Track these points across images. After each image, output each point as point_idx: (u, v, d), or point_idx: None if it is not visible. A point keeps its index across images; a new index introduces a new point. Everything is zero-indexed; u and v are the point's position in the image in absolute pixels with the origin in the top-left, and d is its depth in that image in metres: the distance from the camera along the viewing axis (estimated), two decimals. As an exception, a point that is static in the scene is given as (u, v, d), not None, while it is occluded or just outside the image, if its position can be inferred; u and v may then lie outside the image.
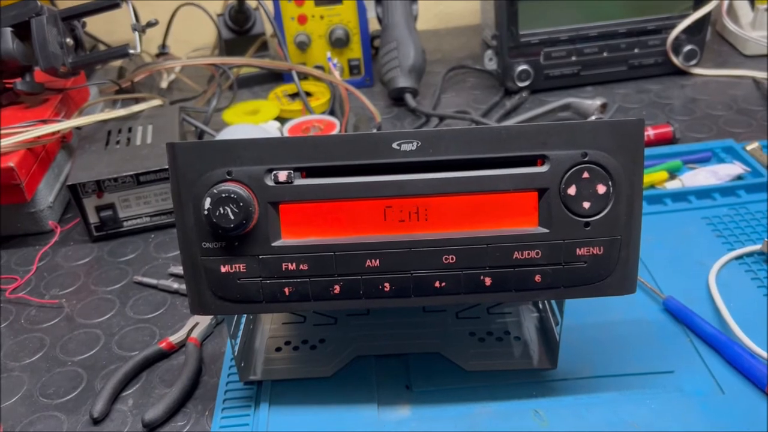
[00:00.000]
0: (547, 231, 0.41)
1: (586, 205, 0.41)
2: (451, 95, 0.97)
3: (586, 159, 0.40)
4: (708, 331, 0.50)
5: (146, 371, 0.54)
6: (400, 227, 0.42)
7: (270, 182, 0.41)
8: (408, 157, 0.41)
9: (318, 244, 0.41)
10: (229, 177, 0.41)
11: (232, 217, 0.40)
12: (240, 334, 0.50)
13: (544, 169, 0.41)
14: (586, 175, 0.40)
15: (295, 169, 0.41)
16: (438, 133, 0.41)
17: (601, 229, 0.41)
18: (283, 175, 0.41)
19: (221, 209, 0.39)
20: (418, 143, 0.41)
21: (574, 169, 0.40)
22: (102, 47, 1.13)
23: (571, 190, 0.40)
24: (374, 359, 0.51)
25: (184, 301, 0.61)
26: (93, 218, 0.70)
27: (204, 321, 0.57)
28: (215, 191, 0.40)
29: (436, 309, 0.55)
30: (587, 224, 0.41)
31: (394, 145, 0.41)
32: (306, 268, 0.42)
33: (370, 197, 0.41)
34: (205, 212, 0.40)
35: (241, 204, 0.40)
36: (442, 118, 0.87)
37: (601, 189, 0.40)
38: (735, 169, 0.68)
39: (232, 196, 0.39)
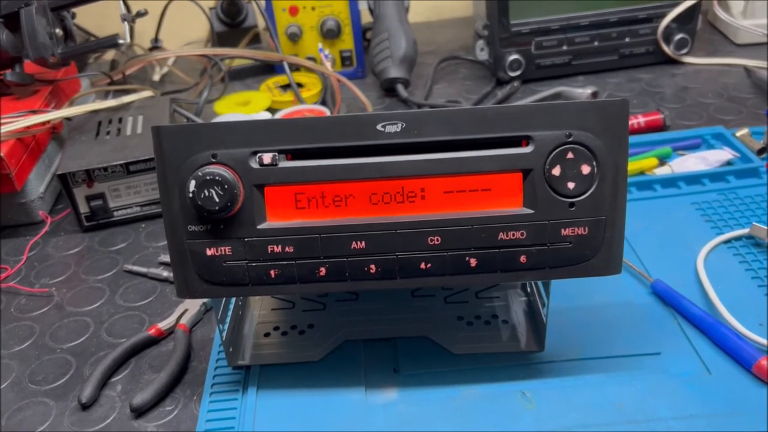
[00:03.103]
0: (531, 211, 0.41)
1: (571, 185, 0.41)
2: (443, 86, 0.97)
3: (570, 139, 0.40)
4: (695, 313, 0.50)
5: (135, 357, 0.54)
6: (386, 209, 0.42)
7: (255, 165, 0.41)
8: (393, 139, 0.41)
9: (303, 227, 0.41)
10: (214, 160, 0.41)
11: (217, 200, 0.40)
12: (228, 319, 0.50)
13: (528, 149, 0.41)
14: (570, 155, 0.40)
15: (280, 152, 0.41)
16: (422, 115, 0.41)
17: (585, 209, 0.41)
18: (267, 158, 0.41)
19: (206, 192, 0.39)
20: (402, 125, 0.41)
21: (559, 149, 0.40)
22: (96, 39, 1.12)
23: (556, 171, 0.40)
24: (362, 343, 0.51)
25: (174, 289, 0.60)
26: (83, 208, 0.69)
27: (193, 307, 0.57)
28: (200, 174, 0.40)
29: (424, 294, 0.55)
30: (572, 204, 0.41)
31: (379, 127, 0.41)
32: (291, 250, 0.42)
33: (355, 179, 0.41)
34: (190, 195, 0.40)
35: (226, 186, 0.39)
36: (433, 108, 0.87)
37: (586, 169, 0.40)
38: (724, 154, 0.68)
39: (217, 178, 0.39)
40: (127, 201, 0.70)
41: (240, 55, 0.94)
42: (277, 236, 0.41)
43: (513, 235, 0.41)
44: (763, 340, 0.47)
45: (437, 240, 0.42)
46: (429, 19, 1.26)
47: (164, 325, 0.55)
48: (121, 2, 0.71)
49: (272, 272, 0.42)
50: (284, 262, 0.42)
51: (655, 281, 0.53)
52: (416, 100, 0.89)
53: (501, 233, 0.41)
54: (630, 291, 0.54)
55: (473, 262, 0.42)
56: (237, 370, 0.50)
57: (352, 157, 0.41)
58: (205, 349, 0.54)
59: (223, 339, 0.48)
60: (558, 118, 0.40)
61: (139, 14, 0.75)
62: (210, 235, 0.41)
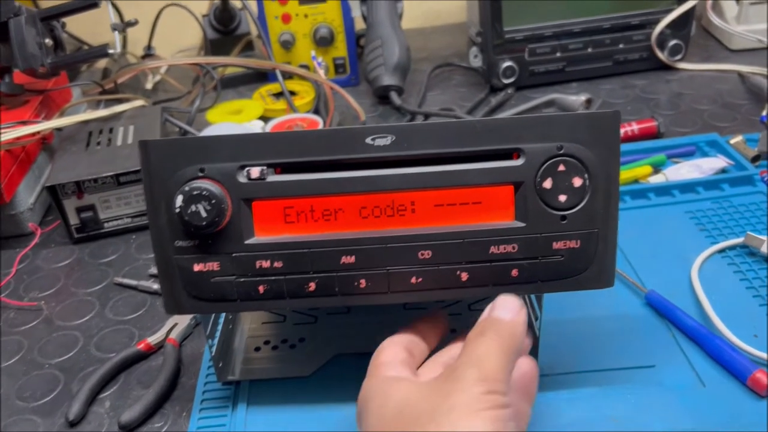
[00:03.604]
0: (523, 225, 0.40)
1: (563, 198, 0.40)
2: (437, 93, 0.97)
3: (561, 152, 0.40)
4: (689, 325, 0.49)
5: (124, 373, 0.53)
6: (376, 223, 0.41)
7: (243, 179, 0.40)
8: (382, 152, 0.40)
9: (292, 242, 0.41)
10: (201, 174, 0.40)
11: (204, 215, 0.39)
12: (218, 334, 0.49)
13: (519, 162, 0.40)
14: (561, 167, 0.40)
15: (269, 165, 0.40)
16: (412, 128, 0.40)
17: (577, 222, 0.40)
18: (255, 172, 0.40)
19: (193, 207, 0.39)
20: (392, 138, 0.40)
21: (550, 161, 0.40)
22: (86, 48, 1.12)
23: (547, 183, 0.40)
24: (353, 357, 0.50)
25: (165, 302, 0.60)
26: (73, 220, 0.69)
27: (183, 321, 0.56)
28: (187, 189, 0.39)
29: (416, 306, 0.54)
30: (564, 217, 0.40)
31: (368, 140, 0.40)
32: (280, 265, 0.41)
33: (344, 193, 0.40)
34: (177, 210, 0.39)
35: (213, 201, 0.39)
36: (426, 116, 0.87)
37: (577, 182, 0.40)
38: (718, 162, 0.68)
39: (204, 193, 0.39)
40: (117, 212, 0.70)
41: (232, 64, 0.94)
42: (265, 251, 0.41)
43: (504, 248, 0.41)
44: (758, 352, 0.46)
45: (428, 254, 0.41)
46: (423, 25, 1.26)
47: (154, 339, 0.55)
48: (111, 12, 0.70)
49: (261, 288, 0.41)
50: (273, 278, 0.41)
51: (649, 292, 0.53)
52: (410, 108, 0.89)
53: (492, 247, 0.41)
54: (624, 302, 0.54)
55: (464, 276, 0.41)
56: (227, 385, 0.50)
57: (342, 170, 0.40)
58: (195, 363, 0.53)
59: (213, 354, 0.47)
60: (549, 130, 0.40)
61: (130, 24, 0.75)
62: (197, 250, 0.41)
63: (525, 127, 0.40)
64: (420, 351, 0.42)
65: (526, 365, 0.40)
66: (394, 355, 0.40)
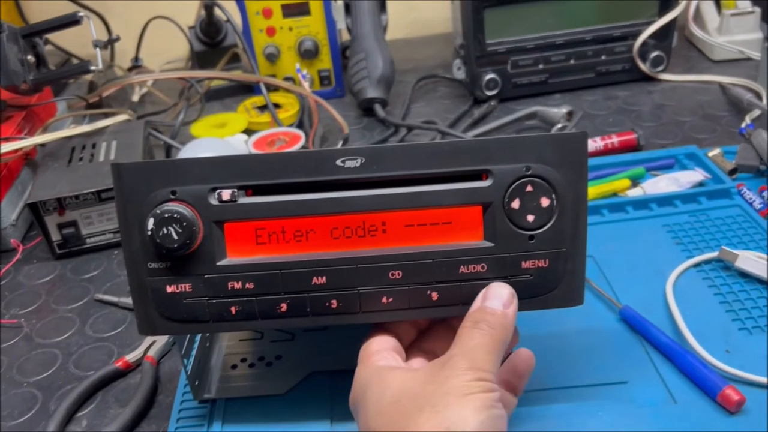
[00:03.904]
0: (492, 245, 0.41)
1: (530, 218, 0.41)
2: (421, 105, 0.97)
3: (529, 173, 0.40)
4: (662, 341, 0.50)
5: (102, 391, 0.53)
6: (347, 243, 0.42)
7: (214, 201, 0.40)
8: (352, 174, 0.41)
9: (264, 263, 0.41)
10: (173, 197, 0.40)
11: (176, 237, 0.39)
12: (194, 352, 0.50)
13: (487, 183, 0.41)
14: (529, 188, 0.40)
15: (240, 187, 0.41)
16: (382, 150, 0.41)
17: (545, 242, 0.41)
18: (226, 194, 0.40)
19: (164, 229, 0.39)
20: (362, 160, 0.40)
21: (518, 182, 0.40)
22: (74, 60, 1.12)
23: (515, 204, 0.40)
24: (329, 375, 0.51)
25: (144, 319, 0.60)
26: (55, 236, 0.69)
27: (161, 339, 0.56)
28: (158, 211, 0.39)
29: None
30: (532, 237, 0.41)
31: (338, 162, 0.40)
32: (252, 286, 0.41)
33: (315, 214, 0.41)
34: (149, 233, 0.39)
35: (185, 224, 0.39)
36: (410, 129, 0.88)
37: (545, 202, 0.40)
38: (696, 175, 0.68)
39: (175, 216, 0.39)
40: (99, 228, 0.70)
41: (216, 77, 0.94)
42: (237, 272, 0.41)
43: (474, 268, 0.41)
44: (729, 368, 0.47)
45: (398, 274, 0.41)
46: (409, 36, 1.26)
47: (132, 357, 0.55)
48: (93, 29, 0.71)
49: (233, 309, 0.42)
50: (245, 299, 0.41)
51: (623, 307, 0.53)
52: (394, 121, 0.89)
53: (462, 266, 0.41)
54: (599, 318, 0.54)
55: (434, 295, 0.42)
56: (204, 403, 0.50)
57: (313, 192, 0.41)
58: (173, 381, 0.53)
59: (188, 373, 0.48)
60: (516, 151, 0.40)
61: (111, 40, 0.75)
62: (170, 272, 0.41)
63: (493, 149, 0.40)
64: (407, 337, 0.44)
65: (524, 354, 0.43)
66: (384, 342, 0.41)
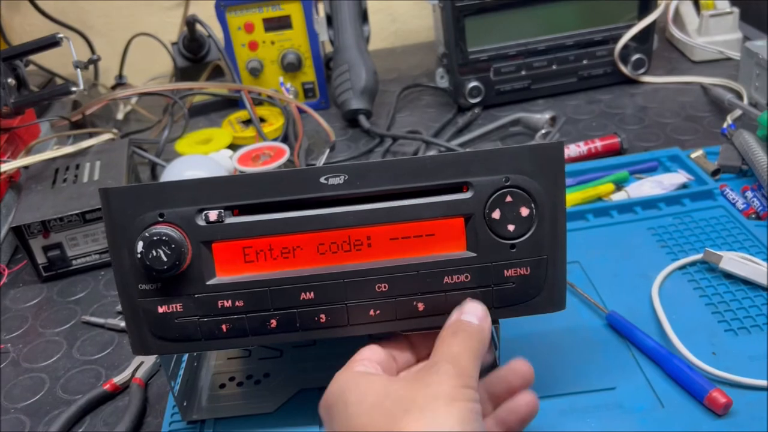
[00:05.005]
0: (474, 255, 0.41)
1: (511, 227, 0.41)
2: (406, 114, 0.98)
3: (508, 183, 0.41)
4: (649, 345, 0.50)
5: (90, 414, 0.53)
6: (333, 258, 0.42)
7: (201, 222, 0.41)
8: (336, 191, 0.41)
9: (252, 280, 0.42)
10: (161, 219, 0.41)
11: (165, 259, 0.40)
12: (181, 372, 0.50)
13: (468, 195, 0.41)
14: (509, 198, 0.41)
15: (227, 208, 0.41)
16: (364, 166, 0.41)
17: (526, 250, 0.42)
18: (213, 215, 0.41)
19: (154, 252, 0.40)
20: (345, 177, 0.41)
21: (497, 193, 0.41)
22: (58, 80, 1.12)
23: (496, 214, 0.41)
24: (318, 392, 0.50)
25: (132, 340, 0.60)
26: (41, 258, 0.69)
27: (149, 360, 0.56)
28: (147, 234, 0.40)
29: (381, 336, 0.54)
30: (513, 246, 0.41)
31: (322, 180, 0.41)
32: (242, 304, 0.42)
33: (301, 231, 0.41)
34: (138, 255, 0.40)
35: (173, 246, 0.40)
36: (395, 139, 0.88)
37: (525, 211, 0.41)
38: (679, 178, 0.69)
39: (164, 238, 0.40)
40: (85, 249, 0.70)
41: (200, 89, 0.94)
42: (226, 291, 0.42)
43: (458, 278, 0.42)
44: (716, 371, 0.47)
45: (385, 287, 0.42)
46: (393, 45, 1.27)
47: (120, 379, 0.54)
48: (73, 50, 0.71)
49: (224, 326, 0.42)
50: (235, 316, 0.42)
51: (609, 313, 0.53)
52: (378, 131, 0.90)
53: (446, 277, 0.42)
54: (585, 324, 0.54)
55: (420, 306, 0.42)
56: (192, 424, 0.50)
57: (298, 209, 0.41)
58: (161, 402, 0.53)
59: (175, 395, 0.47)
60: (496, 163, 0.41)
61: (92, 60, 0.75)
62: (161, 293, 0.42)
63: (473, 162, 0.41)
64: (404, 359, 0.43)
65: (528, 397, 0.41)
66: (372, 353, 0.41)
